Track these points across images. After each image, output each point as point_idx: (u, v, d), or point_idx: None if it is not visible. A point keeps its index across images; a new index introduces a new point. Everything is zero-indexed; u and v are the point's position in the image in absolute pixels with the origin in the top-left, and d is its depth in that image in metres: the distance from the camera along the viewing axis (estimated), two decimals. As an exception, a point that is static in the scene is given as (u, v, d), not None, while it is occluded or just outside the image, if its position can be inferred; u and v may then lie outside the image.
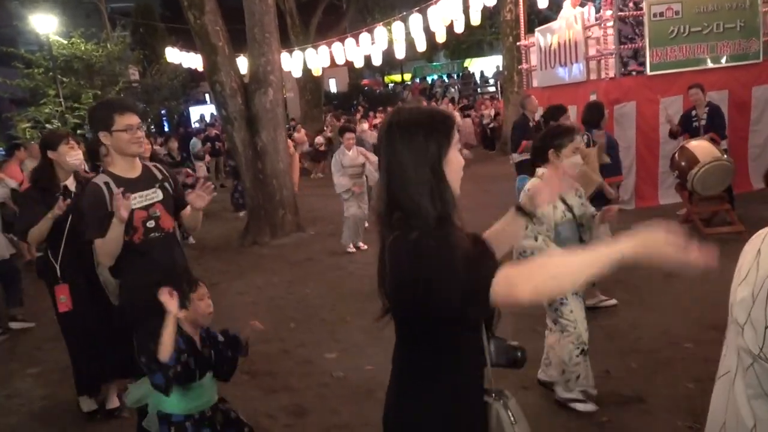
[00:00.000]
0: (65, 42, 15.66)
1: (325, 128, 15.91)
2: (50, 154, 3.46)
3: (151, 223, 2.68)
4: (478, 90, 26.59)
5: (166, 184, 2.80)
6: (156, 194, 2.72)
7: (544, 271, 1.32)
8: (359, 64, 13.50)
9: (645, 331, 4.04)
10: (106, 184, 2.62)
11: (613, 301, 4.59)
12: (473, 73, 30.53)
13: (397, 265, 1.39)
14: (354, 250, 7.07)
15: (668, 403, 2.98)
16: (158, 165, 2.90)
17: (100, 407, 3.66)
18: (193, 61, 15.51)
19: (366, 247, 7.03)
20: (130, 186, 2.64)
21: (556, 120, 5.35)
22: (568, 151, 2.95)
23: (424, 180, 1.38)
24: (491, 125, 16.86)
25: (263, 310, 5.40)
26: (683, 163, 5.98)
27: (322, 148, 14.81)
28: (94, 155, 4.56)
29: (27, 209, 3.49)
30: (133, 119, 2.62)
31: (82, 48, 15.60)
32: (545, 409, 3.20)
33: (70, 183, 3.55)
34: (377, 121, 15.57)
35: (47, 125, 13.67)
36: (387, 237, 1.42)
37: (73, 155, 3.49)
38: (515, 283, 1.28)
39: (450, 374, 1.45)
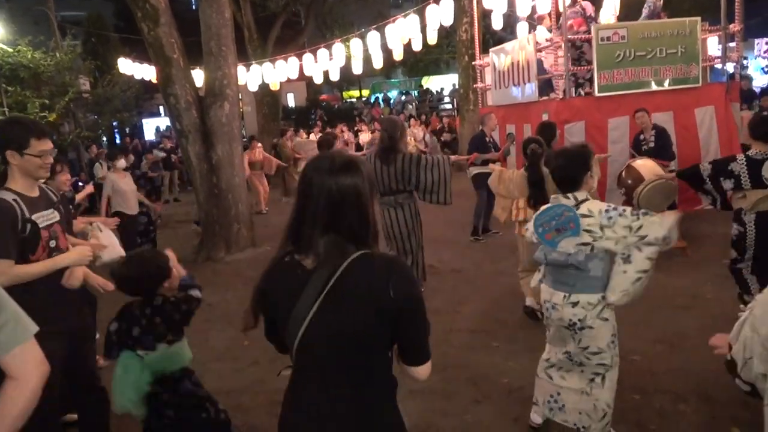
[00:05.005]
0: (10, 50, 15.07)
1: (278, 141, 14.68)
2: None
3: (52, 243, 2.77)
4: (437, 107, 26.93)
5: (61, 206, 2.92)
6: (54, 215, 2.81)
7: None
8: (318, 79, 13.45)
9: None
10: (15, 201, 2.63)
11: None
12: (430, 90, 30.97)
13: None
14: None
15: (615, 415, 3.06)
16: (50, 187, 2.97)
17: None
18: (146, 72, 15.16)
19: None
20: (33, 205, 2.69)
21: (552, 138, 5.44)
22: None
23: None
24: (443, 138, 17.27)
25: (216, 327, 5.29)
26: (629, 181, 6.19)
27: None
28: None
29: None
30: (49, 145, 2.73)
31: (29, 56, 15.02)
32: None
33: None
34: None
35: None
36: None
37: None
38: None
39: None
